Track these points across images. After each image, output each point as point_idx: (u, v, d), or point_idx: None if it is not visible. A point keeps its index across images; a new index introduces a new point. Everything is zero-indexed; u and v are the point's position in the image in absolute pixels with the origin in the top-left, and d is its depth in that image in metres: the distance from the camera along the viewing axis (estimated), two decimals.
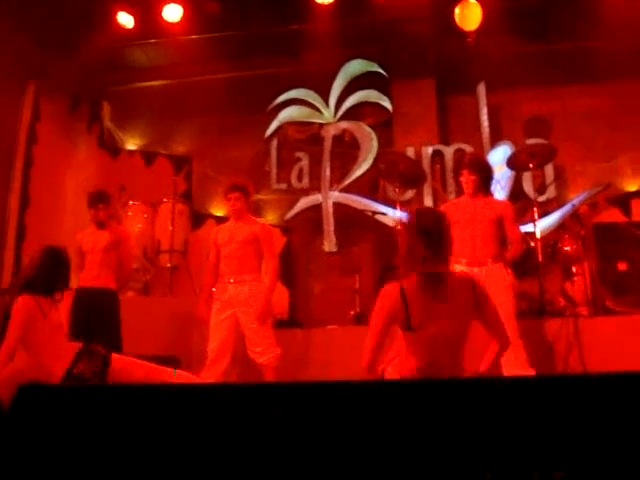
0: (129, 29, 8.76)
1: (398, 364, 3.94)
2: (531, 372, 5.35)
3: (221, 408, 2.45)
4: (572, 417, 2.20)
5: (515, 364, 5.21)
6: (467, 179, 5.78)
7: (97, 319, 6.06)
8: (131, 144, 10.19)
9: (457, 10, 8.29)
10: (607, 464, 2.17)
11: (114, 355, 5.03)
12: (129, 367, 5.03)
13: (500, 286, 5.39)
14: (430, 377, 3.67)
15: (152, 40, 9.35)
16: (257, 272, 6.05)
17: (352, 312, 7.59)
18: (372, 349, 3.80)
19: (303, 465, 2.29)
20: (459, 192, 6.08)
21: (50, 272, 5.13)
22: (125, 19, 8.67)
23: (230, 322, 5.85)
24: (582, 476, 2.16)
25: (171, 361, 5.77)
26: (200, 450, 2.37)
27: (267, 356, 5.77)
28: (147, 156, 9.91)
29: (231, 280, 5.91)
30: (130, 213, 8.57)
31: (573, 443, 2.20)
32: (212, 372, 5.70)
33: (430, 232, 3.78)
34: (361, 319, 7.22)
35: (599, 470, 2.16)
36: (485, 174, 5.83)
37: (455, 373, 3.75)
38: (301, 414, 2.36)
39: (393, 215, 7.98)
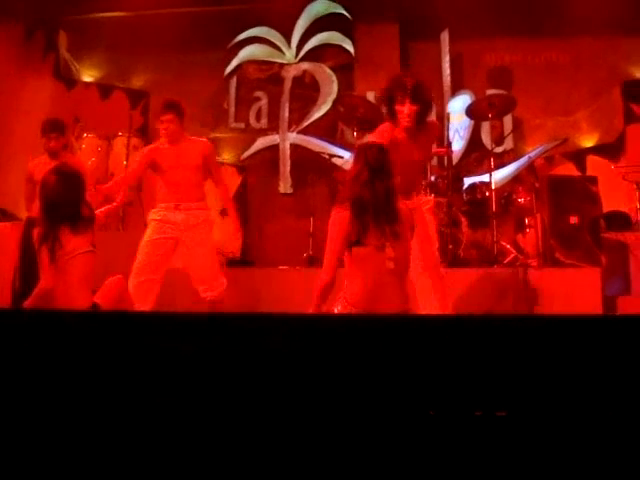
0: None
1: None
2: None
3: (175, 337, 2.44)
4: (516, 358, 2.22)
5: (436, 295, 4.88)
6: (409, 109, 4.77)
7: None
8: (87, 76, 9.96)
9: None
10: (549, 405, 2.20)
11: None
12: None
13: (424, 208, 5.04)
14: (373, 306, 3.84)
15: None
16: (204, 199, 5.75)
17: (305, 254, 7.60)
18: (333, 269, 4.03)
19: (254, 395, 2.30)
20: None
21: (65, 196, 4.79)
22: None
23: (168, 245, 5.54)
24: (524, 416, 2.19)
25: None
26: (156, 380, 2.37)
27: (213, 284, 5.52)
28: (103, 89, 9.68)
29: (172, 205, 5.58)
30: (84, 146, 8.39)
31: (516, 384, 2.23)
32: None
33: (375, 164, 4.06)
34: (313, 262, 7.23)
35: (541, 411, 2.19)
36: (429, 106, 4.99)
37: (397, 302, 3.90)
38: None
39: (350, 159, 7.94)
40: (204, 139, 6.26)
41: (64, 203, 4.78)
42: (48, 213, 4.80)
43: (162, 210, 5.62)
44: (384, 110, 5.02)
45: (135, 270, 5.42)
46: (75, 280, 4.70)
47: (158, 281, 5.51)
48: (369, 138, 5.02)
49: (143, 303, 5.29)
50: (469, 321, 2.37)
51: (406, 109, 4.77)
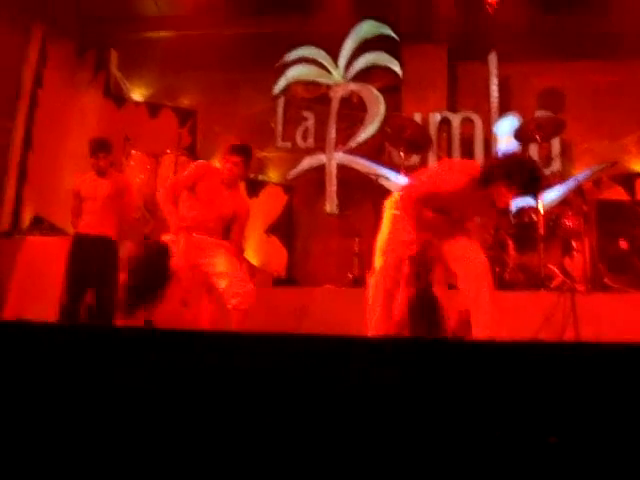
0: None
1: None
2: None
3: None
4: (568, 385, 2.19)
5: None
6: (512, 199, 4.63)
7: (94, 267, 6.05)
8: (137, 94, 10.12)
9: None
10: (600, 433, 2.17)
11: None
12: None
13: None
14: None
15: None
16: (225, 238, 5.59)
17: (350, 275, 7.59)
18: None
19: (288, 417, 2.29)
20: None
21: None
22: None
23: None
24: (576, 443, 2.16)
25: None
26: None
27: (242, 293, 5.22)
28: (152, 108, 9.84)
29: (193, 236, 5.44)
30: (132, 163, 8.51)
31: (566, 411, 2.20)
32: None
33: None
34: (358, 282, 7.21)
35: (592, 439, 2.16)
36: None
37: None
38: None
39: (396, 180, 7.94)
40: (246, 202, 6.11)
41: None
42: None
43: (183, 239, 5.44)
44: (489, 179, 4.42)
45: None
46: None
47: None
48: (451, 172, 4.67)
49: None
50: (515, 346, 2.34)
51: (511, 199, 4.54)
